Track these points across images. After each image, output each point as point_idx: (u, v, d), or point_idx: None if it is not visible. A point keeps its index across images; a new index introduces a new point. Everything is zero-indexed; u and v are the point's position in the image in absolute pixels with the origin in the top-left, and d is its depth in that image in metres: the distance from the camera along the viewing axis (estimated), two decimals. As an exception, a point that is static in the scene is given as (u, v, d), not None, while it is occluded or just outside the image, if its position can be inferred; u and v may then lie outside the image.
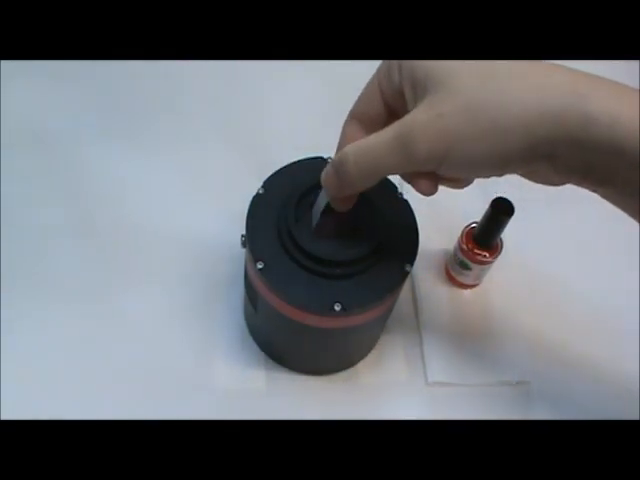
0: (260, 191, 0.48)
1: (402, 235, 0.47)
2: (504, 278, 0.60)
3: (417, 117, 0.36)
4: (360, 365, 0.56)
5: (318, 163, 0.49)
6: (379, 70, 0.41)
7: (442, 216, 0.62)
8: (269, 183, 0.48)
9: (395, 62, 0.39)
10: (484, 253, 0.55)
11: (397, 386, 0.55)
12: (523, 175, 0.38)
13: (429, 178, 0.39)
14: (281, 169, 0.49)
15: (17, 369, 0.52)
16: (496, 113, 0.34)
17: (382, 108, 0.41)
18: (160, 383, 0.53)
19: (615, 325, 0.58)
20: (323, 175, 0.41)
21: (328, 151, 0.49)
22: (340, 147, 0.42)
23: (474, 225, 0.56)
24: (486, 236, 0.55)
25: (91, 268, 0.57)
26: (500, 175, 0.37)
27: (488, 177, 0.38)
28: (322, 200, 0.44)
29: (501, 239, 0.56)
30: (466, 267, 0.57)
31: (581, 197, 0.38)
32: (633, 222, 0.38)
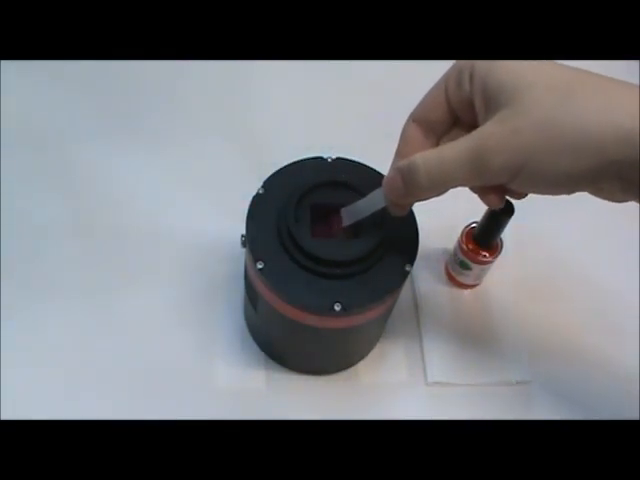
0: (260, 191, 0.48)
1: (402, 235, 0.47)
2: (504, 278, 0.60)
3: (492, 131, 0.36)
4: (360, 365, 0.56)
5: (318, 163, 0.49)
6: (447, 76, 0.40)
7: (442, 216, 0.62)
8: (269, 183, 0.48)
9: (466, 69, 0.38)
10: (484, 253, 0.55)
11: (397, 386, 0.55)
12: (589, 192, 0.38)
13: (498, 192, 0.40)
14: (281, 169, 0.49)
15: (17, 369, 0.52)
16: (573, 133, 0.34)
17: (447, 114, 0.41)
18: (160, 383, 0.53)
19: (615, 325, 0.58)
20: (387, 180, 0.41)
21: (328, 151, 0.50)
22: (401, 150, 0.42)
23: (474, 225, 0.56)
24: (486, 236, 0.55)
25: (91, 268, 0.57)
26: (569, 193, 0.37)
27: (556, 195, 0.38)
28: (376, 203, 0.43)
29: (501, 239, 0.56)
30: (466, 267, 0.57)
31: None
32: (633, 223, 0.38)
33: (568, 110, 0.34)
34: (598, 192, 0.38)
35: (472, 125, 0.39)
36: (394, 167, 0.41)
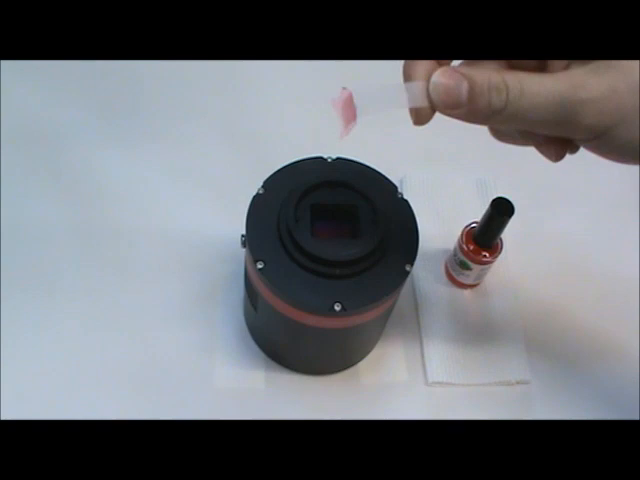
0: (260, 191, 0.48)
1: (402, 235, 0.47)
2: (504, 278, 0.60)
3: (587, 82, 0.34)
4: (360, 365, 0.56)
5: (318, 163, 0.49)
6: None
7: (442, 216, 0.62)
8: (269, 183, 0.48)
9: None
10: (484, 253, 0.55)
11: (397, 386, 0.55)
12: None
13: (563, 145, 0.37)
14: (281, 169, 0.49)
15: (17, 369, 0.52)
16: None
17: None
18: (160, 383, 0.53)
19: (615, 325, 0.58)
20: (444, 84, 0.35)
21: (328, 151, 0.50)
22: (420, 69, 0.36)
23: (474, 225, 0.56)
24: (486, 236, 0.55)
25: (91, 268, 0.57)
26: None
27: (626, 163, 0.37)
28: (398, 100, 0.36)
29: (501, 239, 0.56)
30: (466, 267, 0.57)
31: (581, 197, 0.38)
32: (633, 223, 0.39)
33: None
34: None
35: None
36: (460, 72, 0.35)
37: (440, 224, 0.61)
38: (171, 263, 0.58)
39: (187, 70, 0.68)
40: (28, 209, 0.60)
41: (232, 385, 0.53)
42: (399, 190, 0.49)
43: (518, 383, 0.55)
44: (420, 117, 0.37)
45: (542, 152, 0.39)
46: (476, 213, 0.55)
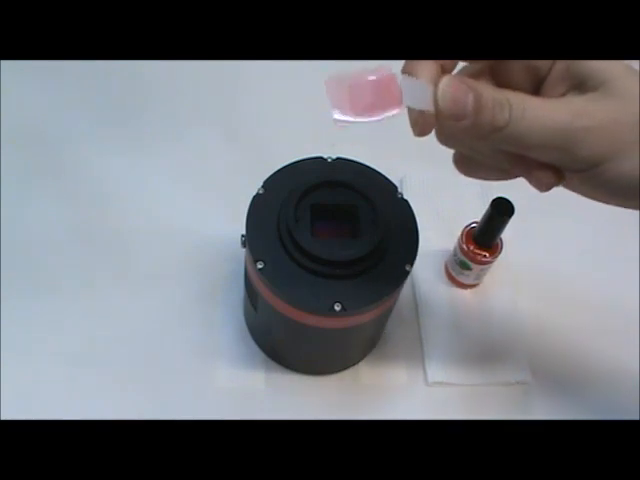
0: (260, 191, 0.48)
1: (402, 235, 0.47)
2: (504, 278, 0.60)
3: (587, 110, 0.34)
4: (360, 365, 0.56)
5: (318, 163, 0.49)
6: None
7: (442, 216, 0.62)
8: (269, 183, 0.48)
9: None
10: (484, 253, 0.55)
11: (397, 386, 0.55)
12: None
13: (555, 174, 0.36)
14: (281, 169, 0.49)
15: (17, 369, 0.52)
16: None
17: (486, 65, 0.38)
18: (160, 383, 0.53)
19: (615, 325, 0.58)
20: (453, 94, 0.34)
21: (328, 151, 0.50)
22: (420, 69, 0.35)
23: (474, 225, 0.56)
24: (486, 236, 0.55)
25: (91, 268, 0.57)
26: (633, 205, 0.35)
27: (623, 204, 0.36)
28: (421, 100, 0.34)
29: (501, 239, 0.56)
30: (466, 267, 0.57)
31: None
32: (633, 223, 0.39)
33: None
34: None
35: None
36: (466, 83, 0.34)
37: (440, 224, 0.61)
38: (171, 263, 0.58)
39: (188, 70, 0.68)
40: (28, 209, 0.60)
41: (232, 385, 0.53)
42: (399, 190, 0.49)
43: (518, 383, 0.55)
44: (425, 125, 0.35)
45: (531, 180, 0.38)
46: (476, 213, 0.55)
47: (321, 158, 0.49)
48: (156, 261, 0.58)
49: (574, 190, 0.37)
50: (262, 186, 0.48)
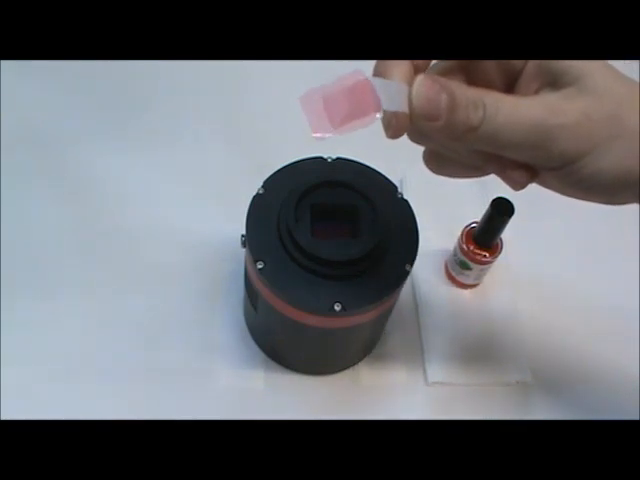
0: (260, 191, 0.48)
1: (402, 235, 0.47)
2: (504, 278, 0.60)
3: (561, 107, 0.33)
4: (360, 365, 0.56)
5: (318, 163, 0.49)
6: None
7: (442, 216, 0.62)
8: (269, 183, 0.48)
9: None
10: (484, 253, 0.55)
11: (397, 386, 0.55)
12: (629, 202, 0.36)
13: (529, 172, 0.36)
14: (281, 169, 0.49)
15: (17, 369, 0.52)
16: (634, 135, 0.33)
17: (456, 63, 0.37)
18: (160, 383, 0.53)
19: (615, 325, 0.58)
20: (427, 95, 0.33)
21: (328, 151, 0.50)
22: (389, 69, 0.34)
23: (474, 225, 0.56)
24: (486, 236, 0.55)
25: (91, 268, 0.57)
26: (613, 199, 0.35)
27: (600, 200, 0.36)
28: (396, 101, 0.33)
29: (501, 239, 0.56)
30: (466, 267, 0.57)
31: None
32: (633, 223, 0.39)
33: (633, 109, 0.33)
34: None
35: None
36: (439, 82, 0.33)
37: (440, 224, 0.61)
38: (171, 263, 0.58)
39: (188, 70, 0.68)
40: (28, 209, 0.60)
41: (232, 385, 0.53)
42: (399, 190, 0.49)
43: (518, 383, 0.55)
44: (398, 127, 0.34)
45: (505, 179, 0.37)
46: (476, 213, 0.55)
47: (321, 158, 0.49)
48: (156, 261, 0.58)
49: (550, 188, 0.37)
50: (262, 186, 0.48)
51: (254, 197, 0.48)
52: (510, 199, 0.52)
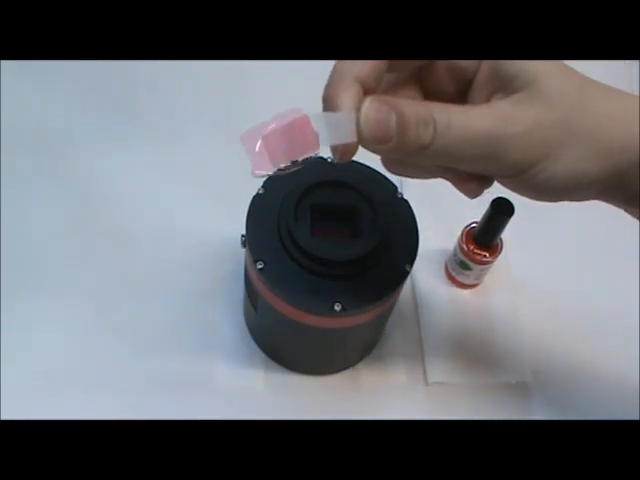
0: (260, 191, 0.48)
1: (402, 235, 0.47)
2: (504, 278, 0.60)
3: (512, 116, 0.33)
4: (360, 365, 0.56)
5: (318, 163, 0.49)
6: None
7: (442, 216, 0.62)
8: (269, 183, 0.48)
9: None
10: (484, 253, 0.55)
11: (397, 386, 0.55)
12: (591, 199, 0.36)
13: (482, 181, 0.36)
14: (281, 169, 0.49)
15: (17, 369, 0.52)
16: (588, 136, 0.33)
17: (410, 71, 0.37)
18: (160, 383, 0.53)
19: (615, 325, 0.58)
20: (374, 117, 0.32)
21: (328, 151, 0.49)
22: (335, 92, 0.34)
23: (474, 225, 0.56)
24: (486, 236, 0.55)
25: (91, 268, 0.57)
26: (570, 198, 0.36)
27: (549, 200, 0.36)
28: (344, 133, 0.33)
29: (501, 239, 0.56)
30: (466, 267, 0.57)
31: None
32: (632, 224, 0.39)
33: (584, 112, 0.33)
34: (602, 198, 0.37)
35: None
36: (388, 103, 0.33)
37: (440, 224, 0.61)
38: (171, 263, 0.58)
39: (188, 70, 0.68)
40: (28, 209, 0.60)
41: (232, 385, 0.53)
42: (399, 190, 0.49)
43: (518, 383, 0.55)
44: (347, 152, 0.34)
45: (460, 188, 0.37)
46: (476, 213, 0.55)
47: (321, 158, 0.49)
48: (156, 261, 0.58)
49: (508, 189, 0.37)
50: (262, 186, 0.48)
51: (254, 197, 0.48)
52: (510, 199, 0.52)
